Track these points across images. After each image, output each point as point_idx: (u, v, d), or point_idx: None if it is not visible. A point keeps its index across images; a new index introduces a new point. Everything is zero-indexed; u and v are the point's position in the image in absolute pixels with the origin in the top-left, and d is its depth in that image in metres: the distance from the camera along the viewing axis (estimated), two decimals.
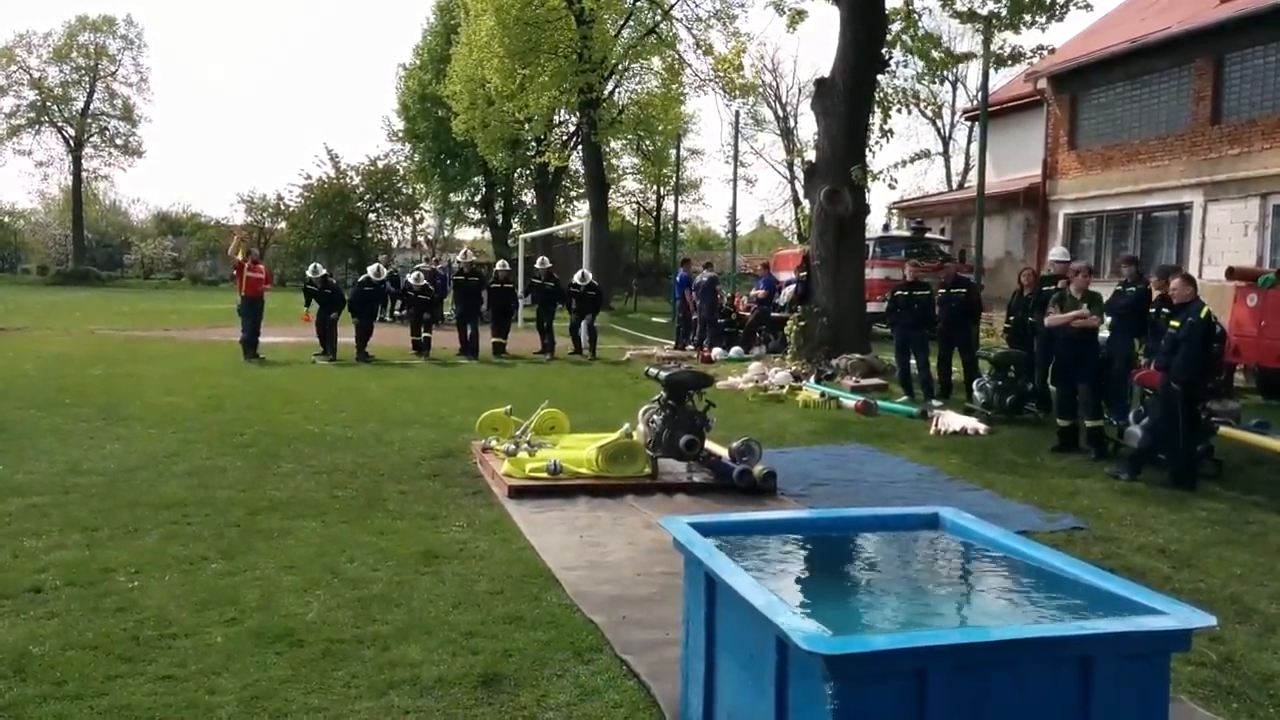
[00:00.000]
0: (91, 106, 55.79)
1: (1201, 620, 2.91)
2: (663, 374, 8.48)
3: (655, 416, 8.18)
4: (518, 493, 7.25)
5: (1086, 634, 2.84)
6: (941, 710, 2.63)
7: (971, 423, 10.70)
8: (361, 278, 18.74)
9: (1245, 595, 5.44)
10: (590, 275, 19.57)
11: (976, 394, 11.76)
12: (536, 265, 19.57)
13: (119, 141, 57.41)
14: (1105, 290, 10.83)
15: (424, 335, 18.01)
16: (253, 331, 16.26)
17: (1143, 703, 2.84)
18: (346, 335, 17.07)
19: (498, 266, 19.92)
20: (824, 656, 2.55)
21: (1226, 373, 12.85)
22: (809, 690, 2.70)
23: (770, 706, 2.90)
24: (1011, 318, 12.46)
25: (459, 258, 21.07)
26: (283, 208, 53.18)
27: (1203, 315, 8.15)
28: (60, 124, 55.46)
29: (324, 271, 17.62)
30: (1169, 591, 4.62)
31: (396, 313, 27.86)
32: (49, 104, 54.69)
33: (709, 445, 8.17)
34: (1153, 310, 9.81)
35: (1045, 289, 11.25)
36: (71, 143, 55.42)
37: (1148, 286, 10.44)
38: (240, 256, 16.91)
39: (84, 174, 56.65)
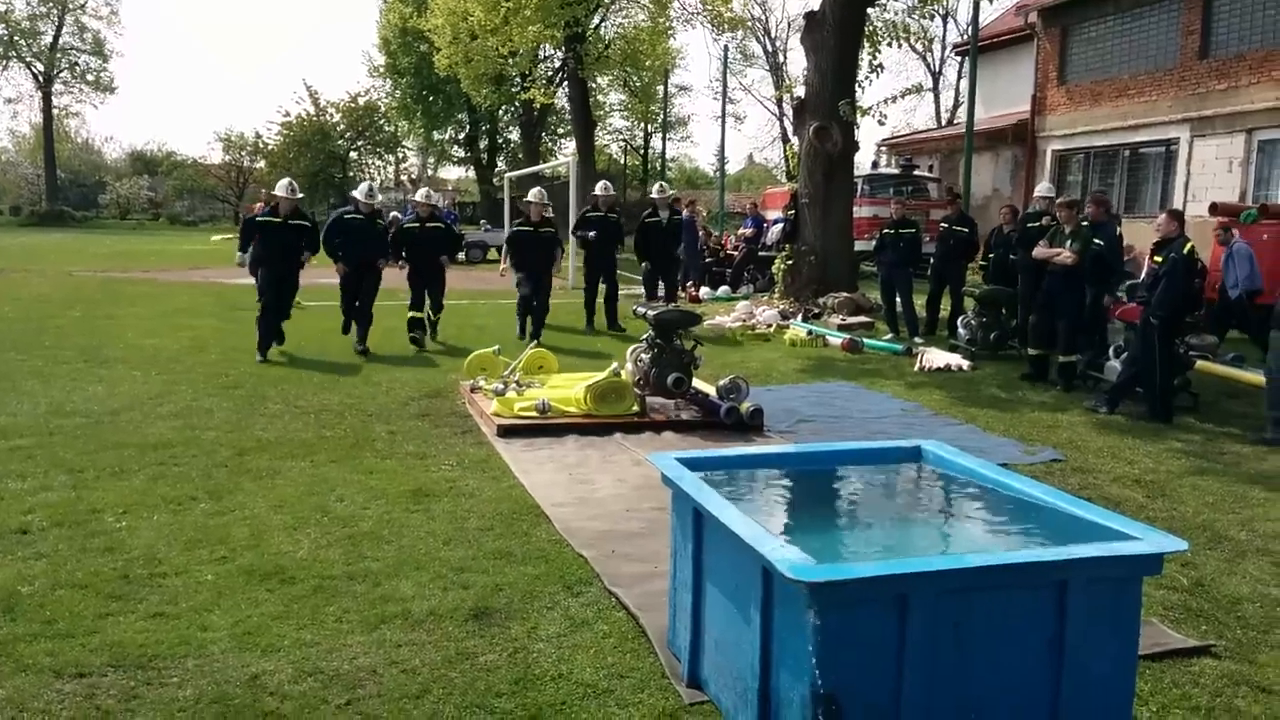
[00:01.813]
0: (60, 41, 54.37)
1: (1172, 545, 2.99)
2: (651, 313, 8.48)
3: (643, 355, 8.20)
4: (507, 431, 7.28)
5: (1061, 559, 2.91)
6: (922, 634, 2.70)
7: (955, 359, 10.77)
8: (344, 208, 11.95)
9: (1217, 523, 5.56)
10: (667, 189, 14.72)
11: (960, 331, 11.83)
12: (598, 191, 13.62)
13: (90, 77, 56.09)
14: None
15: (429, 313, 11.73)
16: None
17: (1115, 624, 2.93)
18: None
19: (420, 196, 12.49)
20: (808, 584, 2.61)
21: (1206, 308, 12.94)
22: (794, 618, 2.76)
23: (756, 634, 2.96)
24: (990, 255, 12.46)
25: (533, 197, 12.29)
26: (261, 146, 52.43)
27: (1185, 251, 8.19)
28: (29, 59, 54.08)
29: (300, 194, 11.28)
30: (1143, 519, 4.71)
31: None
32: (16, 38, 53.20)
33: (697, 383, 8.21)
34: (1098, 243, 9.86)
35: (1030, 225, 11.25)
36: (41, 78, 54.09)
37: (1118, 222, 10.53)
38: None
39: (54, 111, 55.42)
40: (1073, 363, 9.54)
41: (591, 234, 13.23)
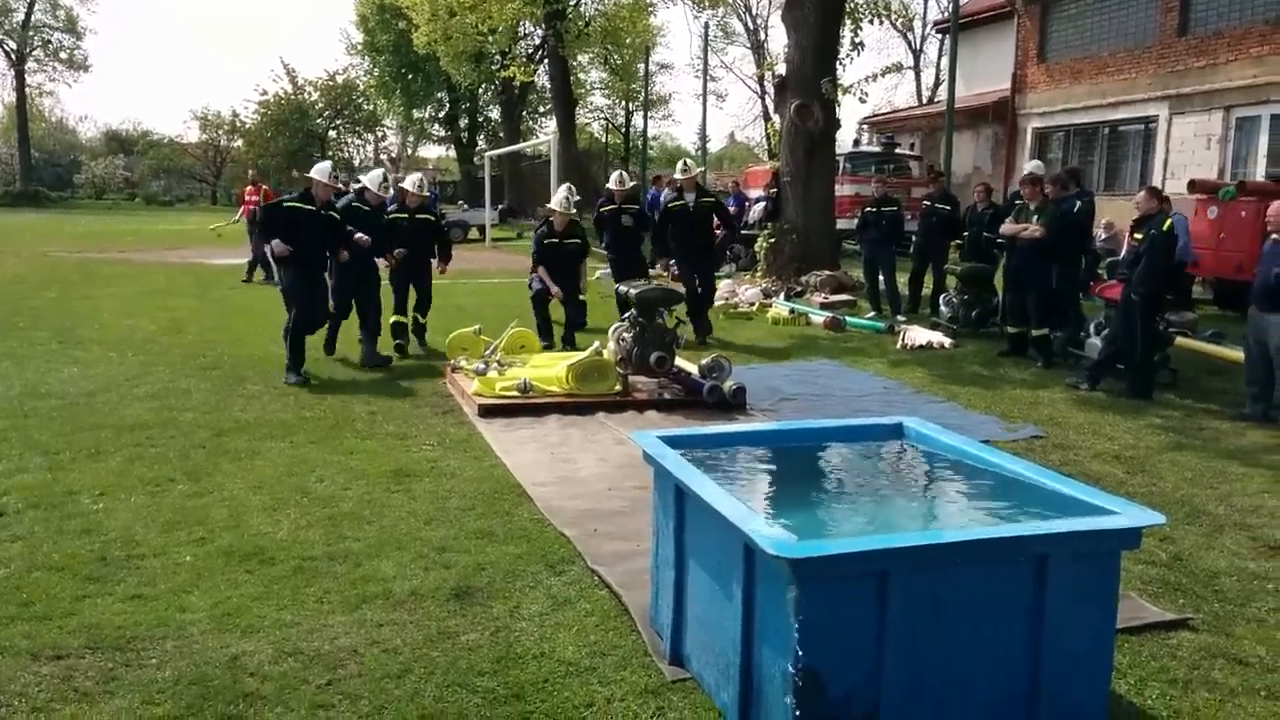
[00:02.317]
0: (33, 18, 53.45)
1: (1150, 519, 3.00)
2: (633, 291, 8.44)
3: (626, 334, 8.18)
4: (488, 411, 7.25)
5: (1041, 534, 2.92)
6: (903, 609, 2.71)
7: (937, 337, 10.80)
8: (350, 194, 10.29)
9: (1195, 498, 5.61)
10: (693, 168, 11.71)
11: (942, 308, 11.86)
12: (611, 184, 11.62)
13: (63, 55, 55.24)
14: None
15: (415, 316, 10.18)
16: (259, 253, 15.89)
17: (1094, 598, 2.95)
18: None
19: (411, 184, 10.29)
20: (789, 560, 2.60)
21: (1186, 284, 13.03)
22: (775, 594, 2.76)
23: (738, 610, 2.96)
24: (965, 233, 12.48)
25: (557, 205, 10.45)
26: (239, 125, 51.98)
27: (1165, 228, 8.21)
28: (0, 37, 53.22)
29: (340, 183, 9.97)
30: (1123, 495, 4.74)
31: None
32: None
33: (679, 362, 8.19)
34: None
35: (1017, 203, 11.27)
36: (13, 56, 53.21)
37: (1092, 199, 10.57)
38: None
39: (27, 90, 54.61)
40: (1045, 336, 9.60)
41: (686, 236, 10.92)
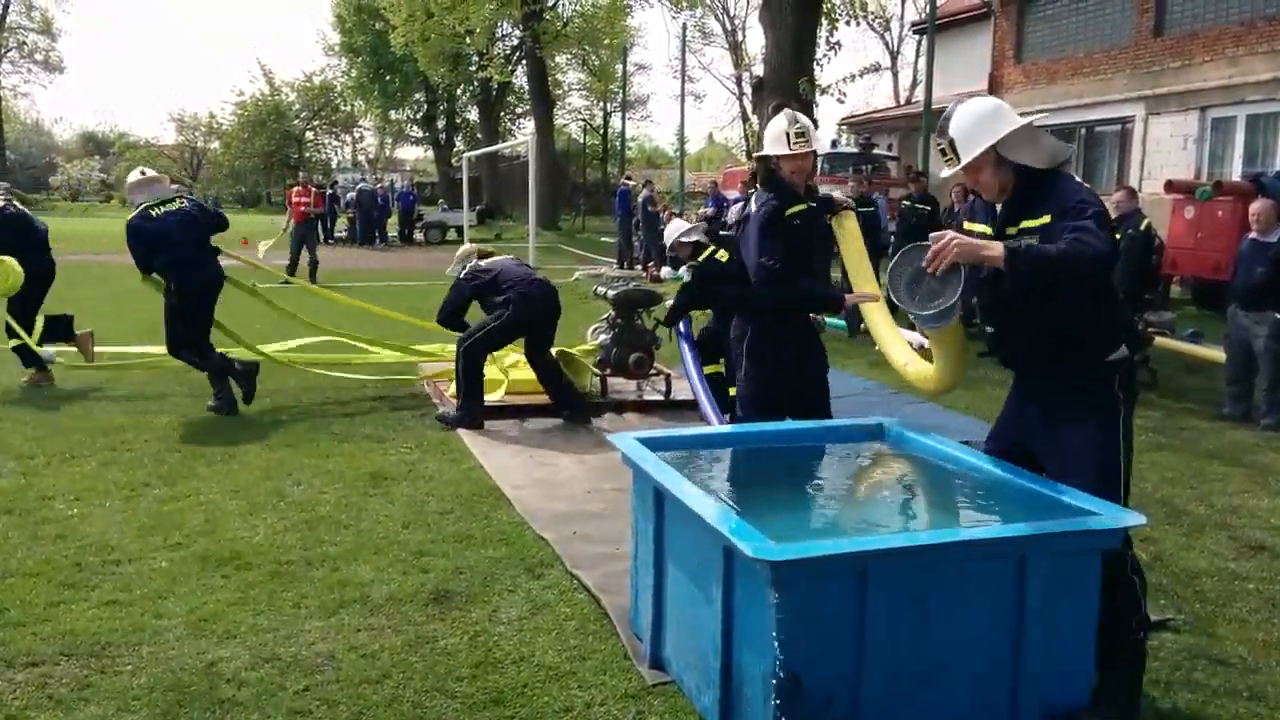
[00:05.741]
0: (7, 20, 52.98)
1: (1131, 520, 3.00)
2: (611, 293, 8.42)
3: (604, 335, 8.15)
4: None
5: (1021, 534, 2.91)
6: (883, 611, 2.70)
7: (916, 337, 10.80)
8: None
9: (1175, 498, 5.64)
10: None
11: None
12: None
13: (38, 57, 54.82)
14: None
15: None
16: (304, 255, 16.54)
17: (1075, 599, 2.95)
18: None
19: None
20: (769, 563, 2.59)
21: (1163, 284, 13.15)
22: (755, 596, 2.75)
23: (718, 613, 2.95)
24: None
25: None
26: (215, 126, 51.72)
27: (1142, 228, 8.29)
28: None
29: None
30: None
31: (339, 234, 27.36)
32: None
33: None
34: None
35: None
36: None
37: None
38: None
39: (2, 91, 54.20)
40: None
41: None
